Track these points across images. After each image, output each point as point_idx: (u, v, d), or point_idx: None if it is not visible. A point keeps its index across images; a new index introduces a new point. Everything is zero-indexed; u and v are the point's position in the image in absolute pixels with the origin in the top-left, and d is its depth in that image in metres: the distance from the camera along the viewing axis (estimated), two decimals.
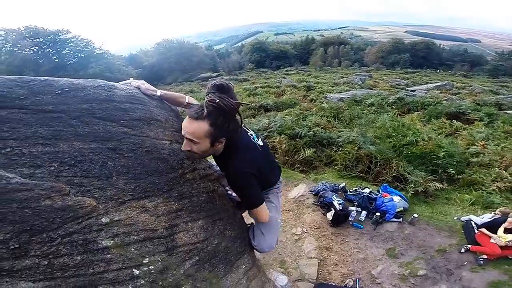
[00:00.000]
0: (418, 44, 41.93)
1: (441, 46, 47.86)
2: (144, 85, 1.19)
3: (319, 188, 3.73)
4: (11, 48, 21.85)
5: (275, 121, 5.46)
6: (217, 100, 0.95)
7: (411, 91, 12.43)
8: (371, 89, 12.82)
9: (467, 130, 6.09)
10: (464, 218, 3.32)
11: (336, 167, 4.37)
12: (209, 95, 0.97)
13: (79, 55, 24.27)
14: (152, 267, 0.93)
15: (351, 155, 4.32)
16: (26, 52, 22.13)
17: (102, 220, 0.84)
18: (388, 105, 8.35)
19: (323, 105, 7.84)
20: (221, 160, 1.16)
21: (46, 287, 0.77)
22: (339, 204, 3.28)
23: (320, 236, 3.27)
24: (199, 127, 0.98)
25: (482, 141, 5.35)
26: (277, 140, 4.79)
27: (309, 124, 5.28)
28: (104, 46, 25.64)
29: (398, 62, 37.75)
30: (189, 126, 0.99)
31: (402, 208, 3.39)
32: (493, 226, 2.96)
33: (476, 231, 3.02)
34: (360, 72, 25.37)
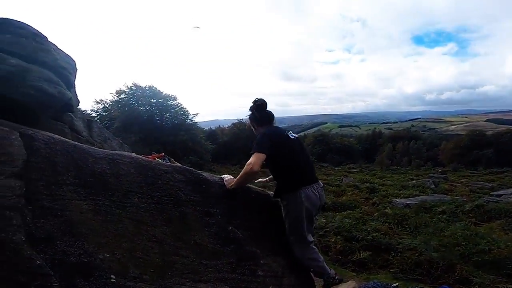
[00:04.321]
0: (504, 135, 37.21)
1: None
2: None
3: (369, 286, 4.21)
4: (133, 103, 27.21)
5: (332, 222, 6.32)
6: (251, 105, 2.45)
7: (496, 196, 11.79)
8: (446, 194, 12.62)
9: None
10: None
11: (391, 270, 4.80)
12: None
13: (175, 121, 28.60)
14: None
15: (410, 260, 4.80)
16: (141, 109, 27.22)
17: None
18: (463, 213, 8.34)
19: (386, 210, 8.36)
20: None
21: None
22: None
23: None
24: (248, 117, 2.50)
25: None
26: (332, 240, 5.60)
27: (369, 229, 5.99)
28: (194, 118, 30.35)
29: (479, 160, 34.56)
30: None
31: None
32: None
33: None
34: (433, 173, 24.61)
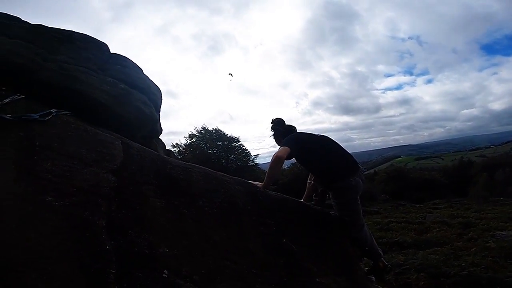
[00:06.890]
0: None
1: None
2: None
3: None
4: (203, 146, 28.17)
5: (414, 259, 5.35)
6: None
7: None
8: None
9: None
10: None
11: None
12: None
13: (238, 163, 28.48)
14: None
15: None
16: (209, 152, 28.02)
17: None
18: None
19: (488, 244, 6.78)
20: None
21: None
22: None
23: None
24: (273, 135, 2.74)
25: None
26: (413, 277, 4.67)
27: (463, 264, 4.86)
28: (255, 160, 29.87)
29: None
30: None
31: None
32: None
33: None
34: None
